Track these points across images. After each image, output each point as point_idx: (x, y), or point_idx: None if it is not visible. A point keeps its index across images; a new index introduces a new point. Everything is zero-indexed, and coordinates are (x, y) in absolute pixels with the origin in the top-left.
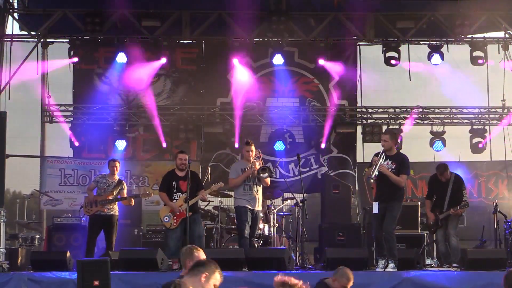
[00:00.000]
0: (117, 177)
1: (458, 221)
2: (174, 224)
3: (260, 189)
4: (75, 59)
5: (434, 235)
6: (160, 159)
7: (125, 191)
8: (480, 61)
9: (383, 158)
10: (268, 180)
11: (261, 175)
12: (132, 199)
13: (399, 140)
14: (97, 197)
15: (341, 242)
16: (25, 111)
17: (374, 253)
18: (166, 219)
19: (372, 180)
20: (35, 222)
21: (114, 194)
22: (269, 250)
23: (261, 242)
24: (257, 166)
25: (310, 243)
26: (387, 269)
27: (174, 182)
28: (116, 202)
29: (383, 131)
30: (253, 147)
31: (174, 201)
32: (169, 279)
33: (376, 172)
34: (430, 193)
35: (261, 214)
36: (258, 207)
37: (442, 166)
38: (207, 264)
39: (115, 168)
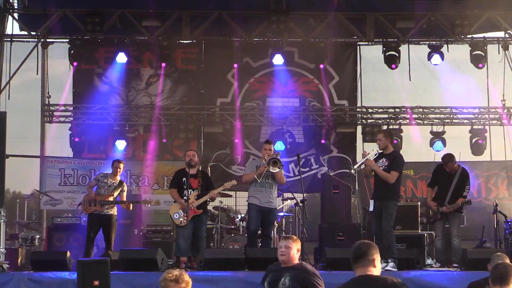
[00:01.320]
0: (118, 178)
1: (459, 220)
2: (184, 221)
3: (274, 186)
4: (75, 64)
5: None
6: (160, 159)
7: (125, 194)
8: (480, 61)
9: (375, 155)
10: (283, 178)
11: (271, 169)
12: (131, 204)
13: (398, 140)
14: (97, 197)
15: (341, 242)
16: (25, 111)
17: None
18: (176, 216)
19: (352, 171)
20: (35, 222)
21: (115, 195)
22: (269, 250)
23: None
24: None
25: (310, 243)
26: (386, 268)
27: (185, 179)
28: None
29: (378, 131)
30: (272, 146)
31: (185, 198)
32: None
33: (362, 166)
34: (433, 181)
35: (275, 213)
36: (271, 204)
37: (447, 156)
38: (369, 250)
39: (118, 169)
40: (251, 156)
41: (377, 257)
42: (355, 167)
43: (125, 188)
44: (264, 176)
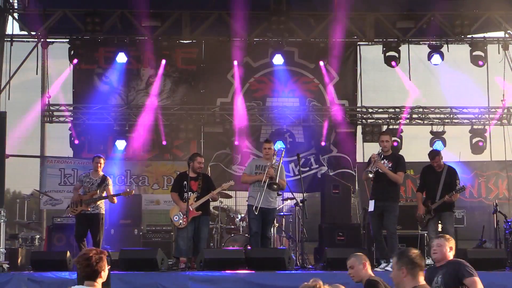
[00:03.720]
0: (101, 173)
1: (453, 219)
2: (184, 223)
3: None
4: (75, 61)
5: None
6: (160, 159)
7: (110, 187)
8: (480, 61)
9: (380, 157)
10: (283, 185)
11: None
12: (114, 198)
13: (398, 141)
14: (82, 197)
15: (341, 242)
16: (25, 111)
17: (374, 253)
18: (176, 218)
19: (370, 175)
20: (35, 222)
21: (98, 192)
22: (269, 250)
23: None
24: (272, 172)
25: (310, 243)
26: (387, 268)
27: (185, 182)
28: (103, 201)
29: (381, 132)
30: (271, 145)
31: (185, 200)
32: (169, 279)
33: (374, 168)
34: (422, 185)
35: (273, 212)
36: (269, 204)
37: (433, 151)
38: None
39: (99, 164)
40: (251, 156)
41: None
42: (374, 170)
43: (110, 182)
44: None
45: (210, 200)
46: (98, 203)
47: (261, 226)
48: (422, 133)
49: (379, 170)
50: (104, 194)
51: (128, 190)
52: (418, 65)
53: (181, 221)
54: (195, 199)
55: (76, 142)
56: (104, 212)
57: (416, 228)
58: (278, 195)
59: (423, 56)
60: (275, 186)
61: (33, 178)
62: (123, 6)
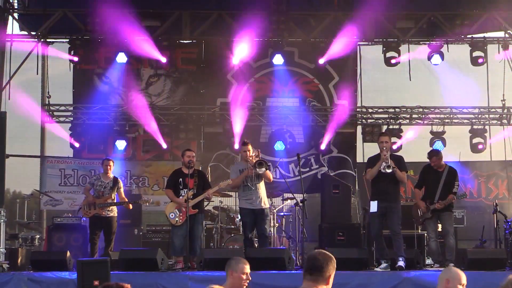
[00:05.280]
0: (111, 175)
1: (452, 218)
2: (180, 221)
3: (261, 186)
4: (75, 58)
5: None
6: (160, 159)
7: (122, 190)
8: (480, 60)
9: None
10: (270, 175)
11: (258, 170)
12: (130, 204)
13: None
14: (96, 200)
15: (341, 242)
16: (25, 111)
17: (374, 253)
18: (172, 215)
19: (389, 170)
20: (35, 222)
21: (113, 196)
22: (269, 250)
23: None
24: (256, 158)
25: (310, 243)
26: (399, 263)
27: (181, 179)
28: None
29: (380, 133)
30: (249, 147)
31: (181, 197)
32: (169, 279)
33: (387, 164)
34: (420, 182)
35: (267, 211)
36: (261, 205)
37: (432, 151)
38: (328, 265)
39: (109, 167)
40: None
41: (333, 274)
42: (392, 165)
43: (121, 185)
44: (250, 179)
45: (206, 200)
46: (112, 207)
47: (256, 226)
48: (422, 133)
49: (382, 170)
50: (117, 197)
51: (145, 198)
52: (418, 65)
53: (177, 218)
54: (192, 197)
55: (76, 143)
56: (117, 215)
57: (416, 228)
58: (275, 196)
59: (423, 56)
60: (264, 167)
61: (33, 178)
62: (123, 6)
